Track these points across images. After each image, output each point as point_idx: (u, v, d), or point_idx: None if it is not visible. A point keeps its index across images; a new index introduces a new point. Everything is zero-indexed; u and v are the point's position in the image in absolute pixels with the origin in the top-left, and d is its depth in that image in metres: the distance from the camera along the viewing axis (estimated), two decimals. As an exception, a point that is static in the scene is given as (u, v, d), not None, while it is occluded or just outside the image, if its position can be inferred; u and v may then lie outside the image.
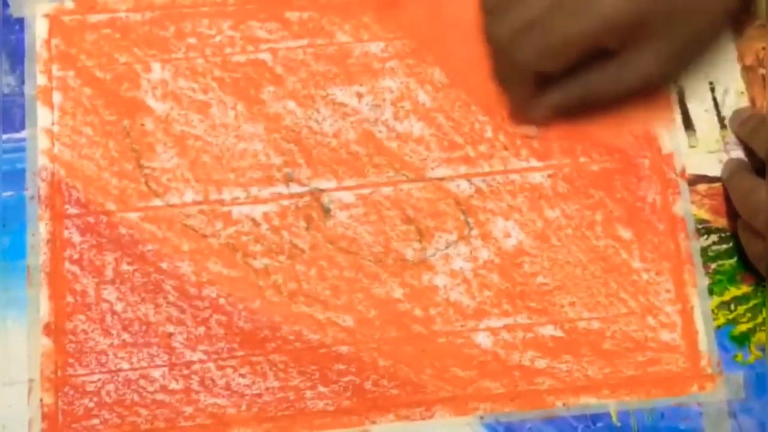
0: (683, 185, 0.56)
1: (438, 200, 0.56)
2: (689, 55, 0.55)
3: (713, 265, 0.55)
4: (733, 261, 0.55)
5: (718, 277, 0.55)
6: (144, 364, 0.54)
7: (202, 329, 0.54)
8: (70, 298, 0.54)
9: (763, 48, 0.59)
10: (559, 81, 0.54)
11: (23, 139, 0.56)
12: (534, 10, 0.51)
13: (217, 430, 0.53)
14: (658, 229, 0.56)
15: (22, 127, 0.57)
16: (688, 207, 0.56)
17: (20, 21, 0.58)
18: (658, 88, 0.58)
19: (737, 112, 0.58)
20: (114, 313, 0.54)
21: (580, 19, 0.50)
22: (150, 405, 0.53)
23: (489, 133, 0.57)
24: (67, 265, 0.55)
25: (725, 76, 0.58)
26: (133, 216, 0.56)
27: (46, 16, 0.58)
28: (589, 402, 0.53)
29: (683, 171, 0.57)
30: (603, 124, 0.57)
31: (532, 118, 0.57)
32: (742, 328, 0.54)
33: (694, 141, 0.57)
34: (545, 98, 0.55)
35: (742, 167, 0.56)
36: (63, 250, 0.55)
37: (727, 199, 0.56)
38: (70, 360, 0.53)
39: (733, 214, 0.55)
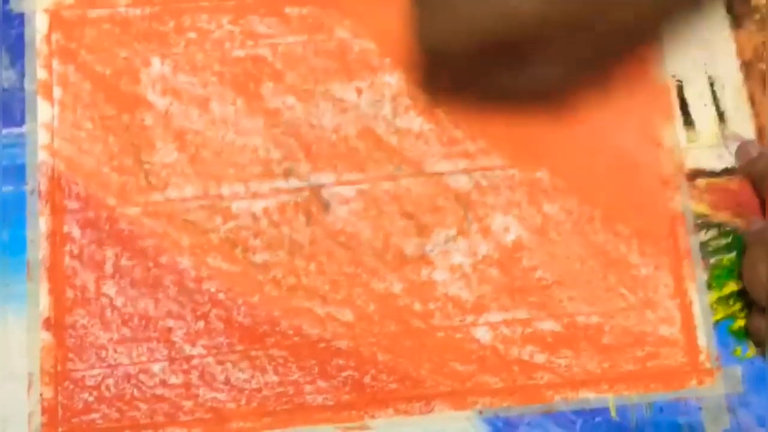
0: (682, 180, 0.56)
1: (437, 195, 0.56)
2: (596, 70, 0.51)
3: (712, 260, 0.55)
4: (732, 256, 0.55)
5: (717, 271, 0.55)
6: (144, 358, 0.54)
7: (201, 324, 0.54)
8: (69, 293, 0.54)
9: (763, 42, 0.59)
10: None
11: (23, 134, 0.57)
12: None
13: (217, 425, 0.53)
14: (656, 224, 0.56)
15: (22, 121, 0.57)
16: (687, 202, 0.56)
17: (20, 16, 0.58)
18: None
19: (743, 147, 0.57)
20: (114, 307, 0.54)
21: (492, 15, 0.46)
22: (149, 399, 0.53)
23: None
24: (67, 260, 0.55)
25: (724, 70, 0.58)
26: (133, 211, 0.56)
27: (46, 10, 0.58)
28: (588, 396, 0.53)
29: (682, 166, 0.57)
30: (602, 120, 0.57)
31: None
32: (741, 322, 0.54)
33: (693, 136, 0.57)
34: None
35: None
36: (63, 245, 0.55)
37: (726, 194, 0.56)
38: (70, 354, 0.54)
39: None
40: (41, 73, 0.57)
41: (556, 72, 0.50)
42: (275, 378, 0.54)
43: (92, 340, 0.54)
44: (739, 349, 0.54)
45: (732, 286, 0.55)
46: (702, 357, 0.54)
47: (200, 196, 0.56)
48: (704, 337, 0.54)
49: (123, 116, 0.57)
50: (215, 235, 0.56)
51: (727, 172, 0.57)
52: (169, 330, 0.54)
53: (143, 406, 0.53)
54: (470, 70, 0.50)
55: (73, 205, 0.56)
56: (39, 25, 0.58)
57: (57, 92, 0.57)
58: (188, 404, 0.53)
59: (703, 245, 0.56)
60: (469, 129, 0.57)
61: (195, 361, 0.54)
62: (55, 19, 0.58)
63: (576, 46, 0.48)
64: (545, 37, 0.47)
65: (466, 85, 0.53)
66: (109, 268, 0.55)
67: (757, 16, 0.59)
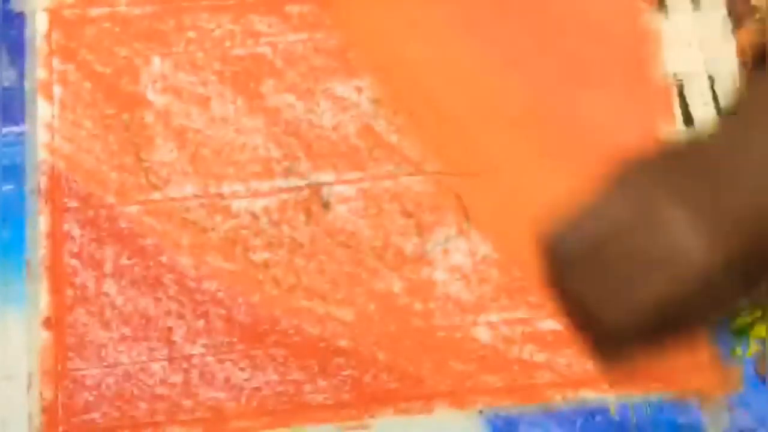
0: (682, 179, 0.56)
1: (438, 194, 0.56)
2: None
3: (712, 260, 0.55)
4: (732, 255, 0.55)
5: (717, 271, 0.55)
6: (144, 357, 0.54)
7: (201, 323, 0.54)
8: (69, 292, 0.54)
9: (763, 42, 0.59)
10: None
11: (23, 133, 0.57)
12: (624, 265, 0.45)
13: (217, 424, 0.53)
14: (657, 224, 0.56)
15: (23, 120, 0.57)
16: (687, 201, 0.56)
17: (21, 15, 0.58)
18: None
19: None
20: (114, 306, 0.54)
21: (665, 274, 0.43)
22: (149, 398, 0.53)
23: (488, 127, 0.57)
24: (66, 258, 0.55)
25: (724, 70, 0.58)
26: (133, 209, 0.56)
27: (47, 10, 0.58)
28: (588, 396, 0.53)
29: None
30: (603, 120, 0.57)
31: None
32: (741, 322, 0.54)
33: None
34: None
35: None
36: (63, 243, 0.55)
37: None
38: (70, 354, 0.54)
39: None
40: (41, 72, 0.57)
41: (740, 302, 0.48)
42: (275, 377, 0.54)
43: (92, 339, 0.54)
44: (739, 349, 0.54)
45: (732, 286, 0.55)
46: (702, 356, 0.54)
47: (200, 194, 0.56)
48: (704, 337, 0.54)
49: (123, 115, 0.57)
50: (215, 234, 0.55)
51: (727, 171, 0.56)
52: (169, 329, 0.54)
53: (143, 405, 0.53)
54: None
55: (72, 203, 0.56)
56: (39, 25, 0.58)
57: (57, 91, 0.57)
58: (188, 403, 0.53)
59: (703, 245, 0.55)
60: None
61: (195, 360, 0.54)
62: (56, 18, 0.58)
63: (752, 278, 0.45)
64: (717, 279, 0.44)
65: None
66: (108, 266, 0.55)
67: (757, 16, 0.59)
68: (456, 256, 0.55)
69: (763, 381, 0.53)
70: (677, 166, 0.45)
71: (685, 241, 0.44)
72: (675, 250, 0.44)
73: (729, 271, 0.44)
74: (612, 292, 0.44)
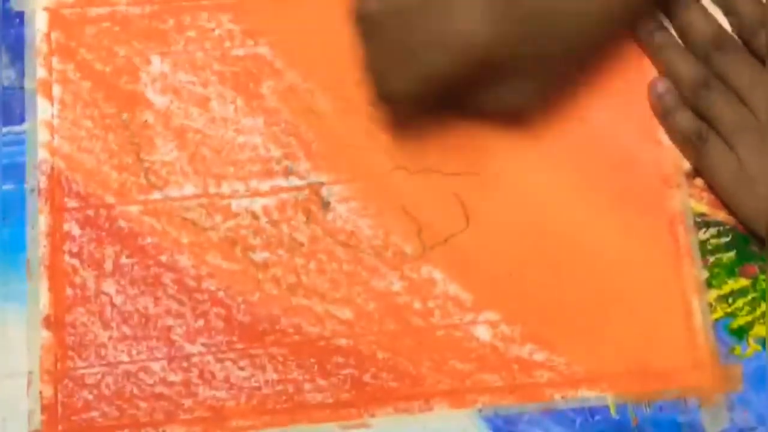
0: (682, 179, 0.56)
1: (438, 194, 0.56)
2: (556, 86, 0.56)
3: (712, 258, 0.55)
4: (731, 254, 0.55)
5: (717, 270, 0.55)
6: (143, 356, 0.54)
7: (201, 322, 0.54)
8: (69, 291, 0.54)
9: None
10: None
11: (23, 132, 0.57)
12: (413, 38, 0.51)
13: (216, 423, 0.53)
14: (656, 223, 0.56)
15: (22, 120, 0.57)
16: (686, 200, 0.56)
17: (20, 14, 0.58)
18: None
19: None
20: (113, 306, 0.54)
21: (445, 53, 0.50)
22: (149, 398, 0.53)
23: (488, 127, 0.57)
24: (66, 258, 0.55)
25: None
26: (133, 209, 0.56)
27: (46, 9, 0.58)
28: (588, 395, 0.53)
29: (682, 164, 0.57)
30: (602, 118, 0.57)
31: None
32: (741, 321, 0.54)
33: (693, 134, 0.57)
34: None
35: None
36: (63, 243, 0.55)
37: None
38: (70, 353, 0.54)
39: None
40: (41, 72, 0.58)
41: (516, 90, 0.54)
42: (275, 376, 0.54)
43: (92, 339, 0.54)
44: (738, 348, 0.54)
45: (731, 285, 0.55)
46: (701, 355, 0.54)
47: (200, 194, 0.56)
48: (704, 336, 0.54)
49: (123, 114, 0.57)
50: (215, 234, 0.56)
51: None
52: (169, 328, 0.54)
53: (143, 405, 0.53)
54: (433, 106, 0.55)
55: (72, 203, 0.56)
56: (39, 24, 0.58)
57: (57, 91, 0.57)
58: (188, 402, 0.53)
59: (703, 244, 0.56)
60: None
61: (195, 360, 0.54)
62: (55, 17, 0.58)
63: (527, 65, 0.52)
64: (496, 63, 0.51)
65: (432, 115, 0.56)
66: (108, 266, 0.55)
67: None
68: (455, 255, 0.55)
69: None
70: None
71: (470, 24, 0.49)
72: (459, 33, 0.50)
73: (508, 58, 0.51)
74: (396, 62, 0.51)
